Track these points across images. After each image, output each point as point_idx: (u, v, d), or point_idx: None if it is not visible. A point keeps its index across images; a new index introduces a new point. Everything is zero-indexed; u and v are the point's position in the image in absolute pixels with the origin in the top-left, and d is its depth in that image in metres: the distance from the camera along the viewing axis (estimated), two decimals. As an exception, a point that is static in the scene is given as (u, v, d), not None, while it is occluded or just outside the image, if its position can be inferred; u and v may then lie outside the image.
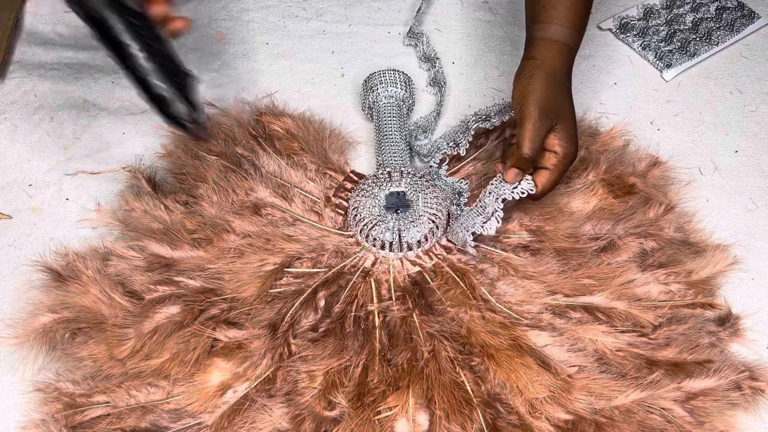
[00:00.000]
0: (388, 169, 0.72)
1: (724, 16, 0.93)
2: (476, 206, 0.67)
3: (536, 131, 0.64)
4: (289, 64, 0.90)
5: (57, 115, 0.84)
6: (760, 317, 0.66)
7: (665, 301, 0.65)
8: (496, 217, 0.66)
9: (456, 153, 0.74)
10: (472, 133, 0.75)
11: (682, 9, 0.95)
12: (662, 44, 0.91)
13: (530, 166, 0.66)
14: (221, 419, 0.58)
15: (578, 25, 0.68)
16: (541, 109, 0.64)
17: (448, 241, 0.69)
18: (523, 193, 0.66)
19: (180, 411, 0.59)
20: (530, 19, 0.70)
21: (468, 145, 0.74)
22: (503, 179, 0.66)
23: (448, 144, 0.75)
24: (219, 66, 0.90)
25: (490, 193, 0.67)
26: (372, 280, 0.66)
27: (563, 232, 0.68)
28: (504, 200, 0.66)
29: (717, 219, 0.74)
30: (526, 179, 0.66)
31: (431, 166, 0.74)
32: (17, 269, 0.70)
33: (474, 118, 0.76)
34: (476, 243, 0.67)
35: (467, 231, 0.66)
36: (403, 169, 0.72)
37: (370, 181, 0.71)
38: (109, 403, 0.59)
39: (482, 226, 0.66)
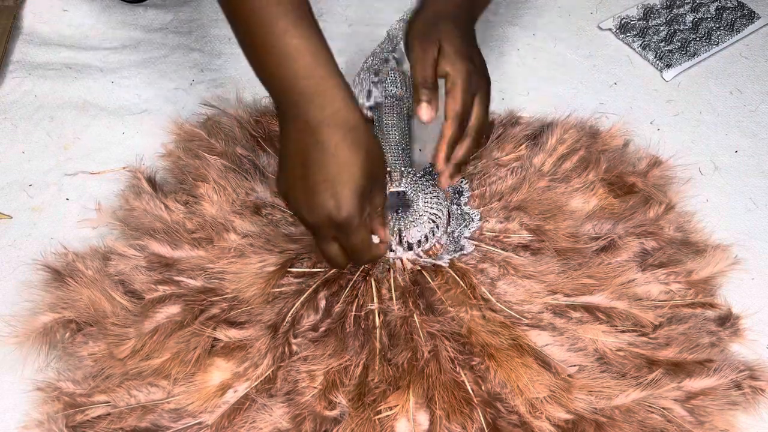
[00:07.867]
0: (388, 169, 0.72)
1: (724, 16, 0.93)
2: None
3: (420, 58, 0.64)
4: (289, 64, 0.90)
5: (57, 115, 0.84)
6: (760, 317, 0.66)
7: (665, 300, 0.65)
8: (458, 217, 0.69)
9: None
10: (401, 39, 0.72)
11: (682, 9, 0.95)
12: (662, 44, 0.91)
13: (430, 94, 0.63)
14: (221, 419, 0.58)
15: None
16: (420, 37, 0.64)
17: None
18: (460, 191, 0.68)
19: (180, 411, 0.59)
20: None
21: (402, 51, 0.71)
22: (418, 118, 0.64)
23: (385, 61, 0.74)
24: (219, 66, 0.90)
25: (424, 203, 0.68)
26: (372, 279, 0.66)
27: (563, 232, 0.68)
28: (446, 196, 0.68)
29: (717, 219, 0.74)
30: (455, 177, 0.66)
31: (432, 164, 0.74)
32: (17, 269, 0.70)
33: (396, 25, 0.75)
34: (476, 243, 0.68)
35: (460, 239, 0.68)
36: (403, 169, 0.72)
37: (370, 181, 0.71)
38: (109, 402, 0.59)
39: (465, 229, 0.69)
